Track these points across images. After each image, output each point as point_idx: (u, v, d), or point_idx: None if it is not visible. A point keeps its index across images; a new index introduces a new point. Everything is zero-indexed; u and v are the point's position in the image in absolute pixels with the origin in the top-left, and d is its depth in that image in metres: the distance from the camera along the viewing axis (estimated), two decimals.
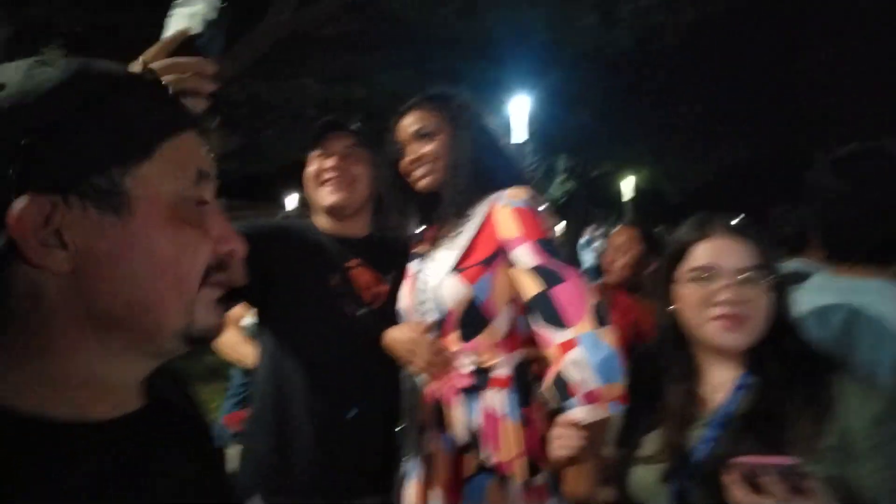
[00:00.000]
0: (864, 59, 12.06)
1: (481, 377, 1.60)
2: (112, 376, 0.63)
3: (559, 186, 16.39)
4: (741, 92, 13.26)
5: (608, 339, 1.42)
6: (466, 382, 1.60)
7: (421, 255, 1.79)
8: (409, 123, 1.73)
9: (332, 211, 1.81)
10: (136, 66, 0.88)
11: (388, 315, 1.76)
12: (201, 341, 0.67)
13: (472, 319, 1.60)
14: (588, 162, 16.43)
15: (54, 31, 6.64)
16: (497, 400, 1.58)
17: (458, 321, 1.61)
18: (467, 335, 1.61)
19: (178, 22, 0.96)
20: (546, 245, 1.54)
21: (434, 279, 1.63)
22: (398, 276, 1.81)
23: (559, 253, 1.56)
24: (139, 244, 0.60)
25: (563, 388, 1.42)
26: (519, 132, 9.75)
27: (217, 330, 0.68)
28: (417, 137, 1.71)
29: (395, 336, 1.70)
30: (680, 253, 1.35)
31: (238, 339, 2.84)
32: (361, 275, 1.80)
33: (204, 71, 0.94)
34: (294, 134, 10.51)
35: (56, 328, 0.59)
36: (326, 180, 1.79)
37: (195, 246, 0.64)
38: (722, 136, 14.74)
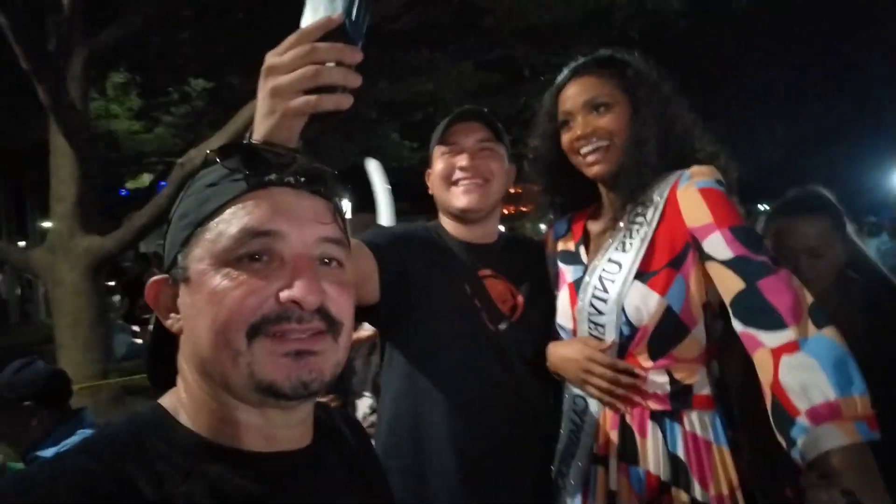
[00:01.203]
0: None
1: (682, 398, 1.33)
2: (242, 418, 0.71)
3: None
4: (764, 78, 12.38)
5: (840, 342, 1.10)
6: (663, 405, 1.33)
7: (574, 256, 1.53)
8: (578, 92, 1.45)
9: (464, 215, 1.58)
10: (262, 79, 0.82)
11: (532, 329, 1.53)
12: (282, 395, 0.68)
13: (668, 332, 1.32)
14: None
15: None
16: (703, 423, 1.32)
17: (650, 336, 1.33)
18: (661, 350, 1.34)
19: (318, 5, 0.79)
20: (744, 233, 1.25)
21: (613, 290, 1.36)
22: (534, 285, 1.58)
23: (760, 242, 1.26)
24: (195, 306, 0.70)
25: (778, 407, 1.10)
26: None
27: (292, 384, 0.68)
28: (590, 109, 1.43)
29: (565, 354, 1.44)
30: None
31: None
32: (495, 286, 1.57)
33: (350, 60, 0.79)
34: (354, 136, 10.39)
35: (191, 379, 0.73)
36: (458, 180, 1.56)
37: (234, 299, 0.67)
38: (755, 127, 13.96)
